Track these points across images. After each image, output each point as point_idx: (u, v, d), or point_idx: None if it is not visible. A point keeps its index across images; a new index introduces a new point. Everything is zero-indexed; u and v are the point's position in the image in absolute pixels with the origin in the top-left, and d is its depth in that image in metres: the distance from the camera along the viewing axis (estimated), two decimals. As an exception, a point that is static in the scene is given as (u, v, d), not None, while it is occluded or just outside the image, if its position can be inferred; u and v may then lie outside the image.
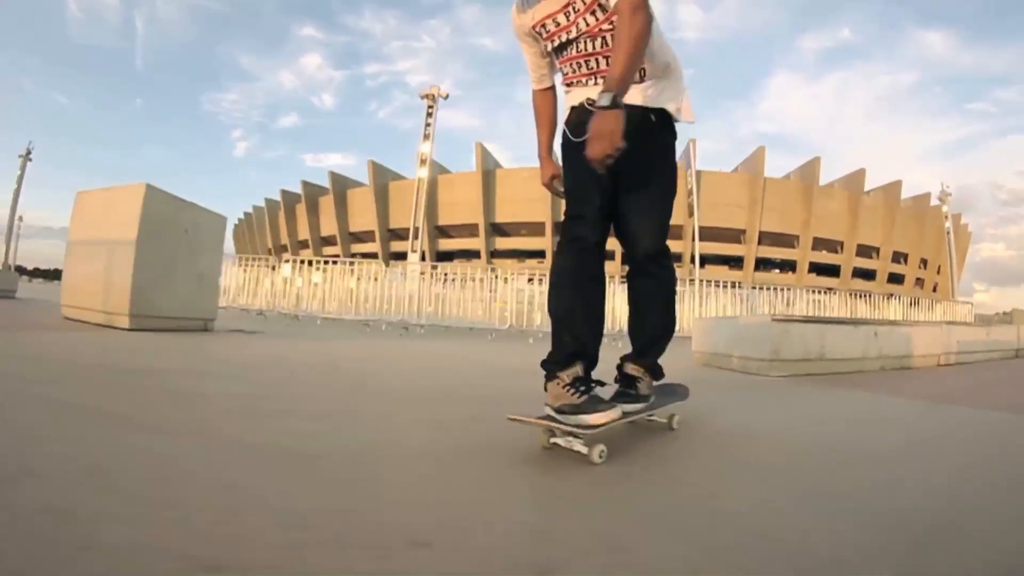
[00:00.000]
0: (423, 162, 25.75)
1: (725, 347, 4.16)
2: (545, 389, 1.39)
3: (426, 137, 25.77)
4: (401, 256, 42.69)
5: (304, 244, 51.16)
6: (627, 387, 1.60)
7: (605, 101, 1.27)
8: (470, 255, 39.39)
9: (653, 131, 1.53)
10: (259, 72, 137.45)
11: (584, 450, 1.28)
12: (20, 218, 43.12)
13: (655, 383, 1.65)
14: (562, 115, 1.68)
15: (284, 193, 51.33)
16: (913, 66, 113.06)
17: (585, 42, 1.52)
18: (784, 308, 10.95)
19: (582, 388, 1.35)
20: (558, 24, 1.52)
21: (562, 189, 1.66)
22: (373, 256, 41.48)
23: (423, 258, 39.37)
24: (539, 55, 1.67)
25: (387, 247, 42.88)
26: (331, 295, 10.47)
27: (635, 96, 1.48)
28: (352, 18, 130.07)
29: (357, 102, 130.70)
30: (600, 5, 1.45)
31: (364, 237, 45.81)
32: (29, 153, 36.01)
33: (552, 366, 1.40)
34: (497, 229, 38.83)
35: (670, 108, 1.56)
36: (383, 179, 43.23)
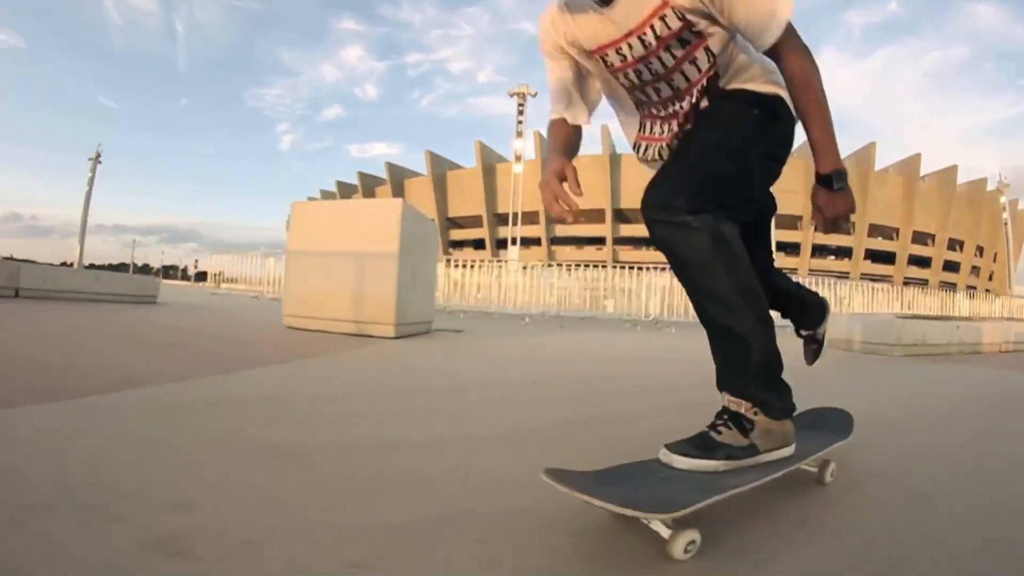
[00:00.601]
0: (518, 158, 27.75)
1: (851, 335, 6.15)
2: None
3: (519, 135, 27.70)
4: (458, 245, 45.02)
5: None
6: (709, 428, 1.04)
7: (841, 183, 1.09)
8: (530, 243, 41.29)
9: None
10: (300, 66, 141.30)
11: (663, 533, 0.79)
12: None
13: (771, 420, 1.05)
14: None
15: (340, 184, 53.41)
16: (964, 41, 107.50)
17: (658, 84, 1.16)
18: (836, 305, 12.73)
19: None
20: (624, 59, 1.14)
21: (574, 195, 1.13)
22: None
23: (483, 246, 41.56)
24: (571, 78, 1.24)
25: (447, 236, 45.20)
26: (478, 289, 12.40)
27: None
28: (390, 8, 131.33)
29: (399, 92, 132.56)
30: (680, 39, 1.09)
31: (422, 225, 48.22)
32: (98, 156, 39.44)
33: None
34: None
35: (752, 87, 1.16)
36: (440, 169, 45.28)
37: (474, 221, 43.06)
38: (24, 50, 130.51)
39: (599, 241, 39.25)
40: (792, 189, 36.16)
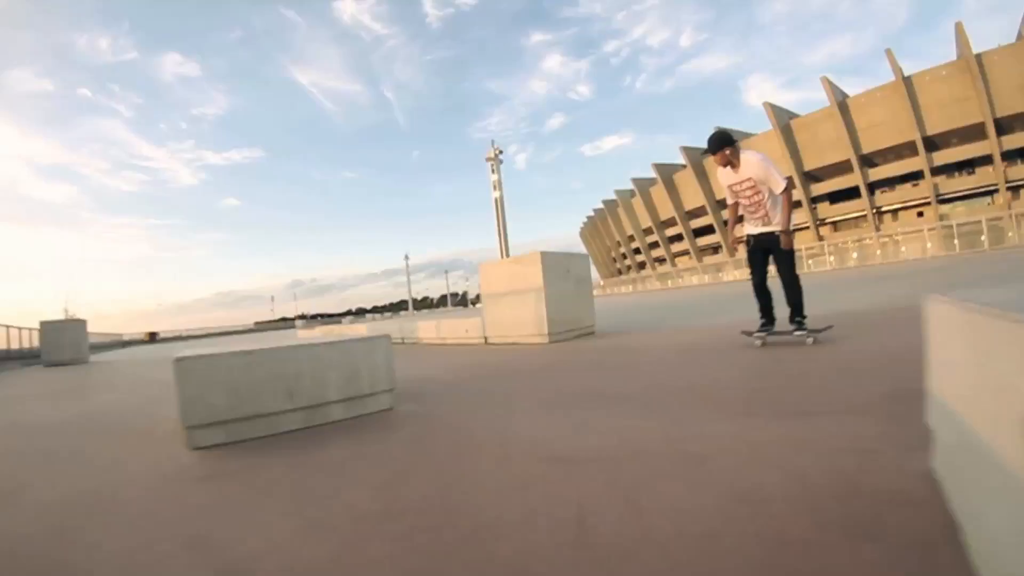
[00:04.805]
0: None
1: None
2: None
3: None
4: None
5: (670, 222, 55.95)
6: (797, 322, 4.08)
7: (786, 232, 3.99)
8: (894, 182, 39.48)
9: (777, 239, 3.99)
10: (510, 90, 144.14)
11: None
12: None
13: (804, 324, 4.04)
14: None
15: (636, 180, 58.80)
16: None
17: (747, 202, 4.09)
18: None
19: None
20: (735, 191, 4.15)
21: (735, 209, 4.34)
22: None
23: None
24: (729, 192, 4.21)
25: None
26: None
27: (770, 227, 4.04)
28: (569, 8, 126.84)
29: (610, 82, 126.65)
30: (753, 187, 3.99)
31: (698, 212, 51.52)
32: (498, 152, 34.95)
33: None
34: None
35: (776, 230, 3.99)
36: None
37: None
38: (266, 157, 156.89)
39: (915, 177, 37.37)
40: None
